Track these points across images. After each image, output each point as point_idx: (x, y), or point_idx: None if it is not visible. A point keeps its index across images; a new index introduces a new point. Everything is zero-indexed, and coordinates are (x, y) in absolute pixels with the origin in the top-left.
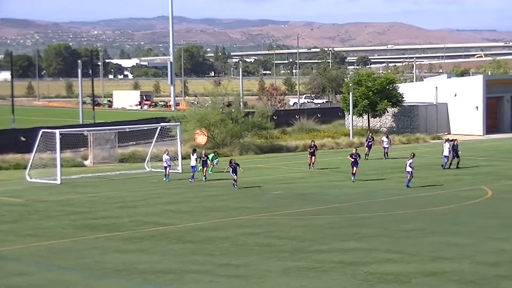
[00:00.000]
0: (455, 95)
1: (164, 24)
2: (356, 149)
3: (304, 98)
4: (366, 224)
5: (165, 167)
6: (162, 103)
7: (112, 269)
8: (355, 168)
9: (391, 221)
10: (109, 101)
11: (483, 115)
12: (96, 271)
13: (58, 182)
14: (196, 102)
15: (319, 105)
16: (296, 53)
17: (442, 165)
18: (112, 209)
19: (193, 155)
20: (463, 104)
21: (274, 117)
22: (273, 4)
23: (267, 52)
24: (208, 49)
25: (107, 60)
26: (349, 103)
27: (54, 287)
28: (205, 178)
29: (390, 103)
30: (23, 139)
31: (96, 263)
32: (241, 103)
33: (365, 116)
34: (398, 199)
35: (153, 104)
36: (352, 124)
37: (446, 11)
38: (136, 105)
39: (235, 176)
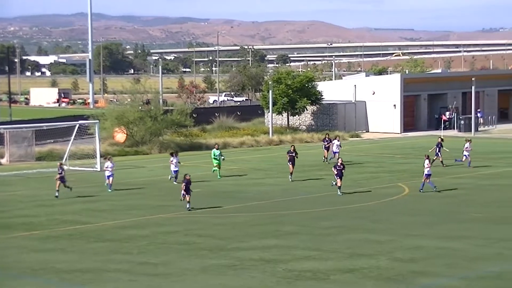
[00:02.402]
0: (373, 93)
1: (83, 21)
2: (341, 159)
3: (224, 96)
4: (286, 222)
5: (108, 177)
6: (80, 100)
7: (29, 268)
8: (339, 180)
9: (310, 218)
10: (26, 98)
11: (400, 113)
12: (13, 270)
13: None
14: (115, 100)
15: (238, 103)
16: (216, 51)
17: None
18: (29, 208)
19: (175, 157)
20: (381, 102)
21: (194, 115)
22: (193, 1)
23: (187, 49)
24: (128, 47)
25: (24, 57)
26: (268, 101)
27: None
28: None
29: (310, 101)
30: None
31: (13, 262)
32: (161, 101)
33: (285, 114)
34: (317, 197)
35: (72, 101)
36: (272, 122)
37: (365, 10)
38: (54, 102)
39: (188, 196)
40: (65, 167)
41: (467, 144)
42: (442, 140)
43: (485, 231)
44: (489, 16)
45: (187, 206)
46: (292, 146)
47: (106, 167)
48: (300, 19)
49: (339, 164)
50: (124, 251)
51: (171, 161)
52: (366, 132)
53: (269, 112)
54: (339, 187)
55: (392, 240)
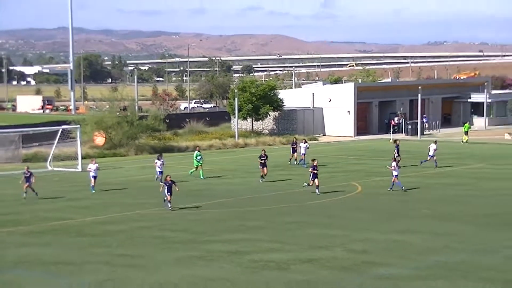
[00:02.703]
0: (329, 101)
1: (65, 34)
2: (316, 161)
3: (194, 103)
4: (251, 217)
5: (94, 177)
6: (63, 107)
7: (13, 262)
8: (316, 180)
9: (274, 214)
10: (13, 105)
11: (354, 118)
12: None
13: None
14: (94, 107)
15: (207, 109)
16: (187, 62)
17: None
18: (14, 206)
19: (160, 160)
20: (336, 109)
21: (167, 120)
22: (166, 16)
23: (160, 61)
24: (106, 58)
25: (10, 68)
26: (234, 108)
27: None
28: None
29: (272, 108)
30: None
31: None
32: (136, 108)
33: (249, 120)
34: (280, 194)
35: (55, 108)
36: (238, 127)
37: (323, 26)
38: (39, 109)
39: (169, 196)
40: (32, 171)
41: (434, 145)
42: (396, 142)
43: (432, 226)
44: (434, 31)
45: (169, 206)
46: (263, 150)
47: (89, 169)
48: (264, 33)
49: (315, 164)
50: (104, 245)
51: (156, 163)
52: (323, 135)
53: (235, 117)
54: (317, 186)
55: (346, 235)
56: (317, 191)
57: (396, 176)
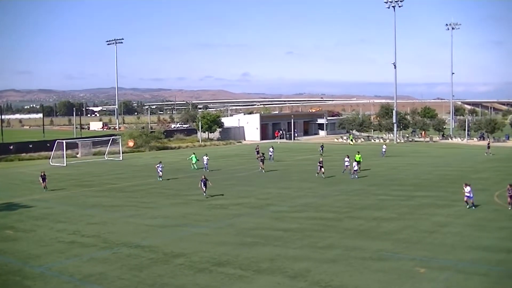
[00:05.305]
0: (247, 123)
1: (113, 91)
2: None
3: (178, 124)
4: (213, 180)
5: (160, 171)
6: (112, 127)
7: (90, 205)
8: (322, 169)
9: (219, 180)
10: (88, 127)
11: (260, 131)
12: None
13: (64, 164)
14: (128, 127)
15: (185, 127)
16: (174, 103)
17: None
18: (89, 177)
19: (160, 165)
20: (251, 127)
21: (164, 133)
22: (163, 81)
23: (160, 103)
24: (134, 103)
25: (87, 108)
26: (199, 126)
27: None
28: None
29: (218, 126)
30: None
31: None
32: (149, 127)
33: (206, 132)
34: (227, 172)
35: (108, 128)
36: (201, 136)
37: (243, 84)
38: (99, 128)
39: (204, 188)
40: (46, 173)
41: (384, 146)
42: (322, 146)
43: (299, 184)
44: (297, 87)
45: (204, 194)
46: (257, 146)
47: (157, 166)
48: (213, 88)
49: (320, 160)
50: (133, 196)
51: (157, 166)
52: (244, 140)
53: (199, 131)
54: (323, 173)
55: (256, 190)
56: (322, 175)
57: (347, 166)
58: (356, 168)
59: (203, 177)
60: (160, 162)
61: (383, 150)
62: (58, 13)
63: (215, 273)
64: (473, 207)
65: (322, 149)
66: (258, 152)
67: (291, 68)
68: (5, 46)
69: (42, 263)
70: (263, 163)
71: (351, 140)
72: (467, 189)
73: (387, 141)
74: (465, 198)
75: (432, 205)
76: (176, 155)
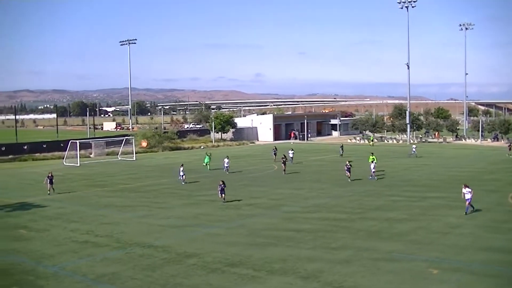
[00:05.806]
0: (260, 123)
1: (126, 91)
2: (349, 162)
3: (191, 124)
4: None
5: (182, 175)
6: (126, 127)
7: (103, 205)
8: (349, 173)
9: (232, 180)
10: (101, 127)
11: (273, 132)
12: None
13: (78, 164)
14: (141, 127)
15: (199, 127)
16: (187, 103)
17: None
18: (102, 177)
19: (181, 168)
20: (264, 127)
21: (177, 133)
22: (176, 82)
23: (174, 103)
24: (147, 103)
25: (101, 108)
26: (212, 127)
27: None
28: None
29: (231, 126)
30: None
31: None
32: (162, 127)
33: (220, 133)
34: (241, 173)
35: (122, 128)
36: (213, 136)
37: (256, 85)
38: (113, 129)
39: (222, 195)
40: (54, 174)
41: (414, 146)
42: (342, 146)
43: (311, 185)
44: (312, 88)
45: (223, 201)
46: (275, 147)
47: (180, 171)
48: (226, 89)
49: (347, 163)
50: (145, 196)
51: (180, 170)
52: (257, 141)
53: (212, 132)
54: (349, 177)
55: (268, 190)
56: (348, 178)
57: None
58: (373, 170)
59: (221, 183)
60: (182, 165)
61: (413, 150)
62: (71, 14)
63: (228, 273)
64: (472, 208)
65: (342, 149)
66: (275, 154)
67: (304, 69)
68: (19, 47)
69: (56, 263)
70: (285, 165)
71: (371, 141)
72: (466, 190)
73: (400, 141)
74: (467, 202)
75: (444, 206)
76: (189, 156)
